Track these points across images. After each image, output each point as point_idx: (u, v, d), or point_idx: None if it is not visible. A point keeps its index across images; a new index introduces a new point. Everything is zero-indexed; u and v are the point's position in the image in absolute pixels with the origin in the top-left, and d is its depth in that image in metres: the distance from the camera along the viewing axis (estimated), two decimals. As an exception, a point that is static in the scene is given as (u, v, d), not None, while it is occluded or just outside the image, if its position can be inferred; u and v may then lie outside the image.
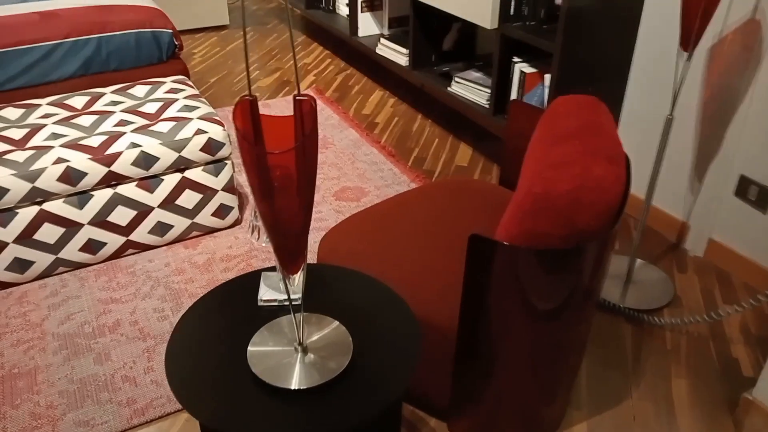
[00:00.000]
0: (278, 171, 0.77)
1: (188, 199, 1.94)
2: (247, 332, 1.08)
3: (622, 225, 2.16)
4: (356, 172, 2.48)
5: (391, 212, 1.60)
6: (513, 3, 2.09)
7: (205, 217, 2.00)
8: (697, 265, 1.97)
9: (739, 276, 1.91)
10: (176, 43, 2.50)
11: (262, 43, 3.92)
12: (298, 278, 0.91)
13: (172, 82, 2.19)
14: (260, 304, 1.16)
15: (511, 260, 1.11)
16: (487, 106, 2.36)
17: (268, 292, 1.17)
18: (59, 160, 1.71)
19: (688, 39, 1.49)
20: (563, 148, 1.28)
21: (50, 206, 1.75)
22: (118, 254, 1.93)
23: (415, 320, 1.13)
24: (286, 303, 1.16)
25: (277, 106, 3.03)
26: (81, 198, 1.78)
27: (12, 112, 1.94)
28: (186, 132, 1.87)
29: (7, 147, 1.74)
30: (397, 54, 2.87)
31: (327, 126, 2.83)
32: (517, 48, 2.21)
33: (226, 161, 1.98)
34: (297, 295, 1.12)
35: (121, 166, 1.79)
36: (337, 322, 1.10)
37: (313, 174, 0.81)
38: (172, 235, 1.98)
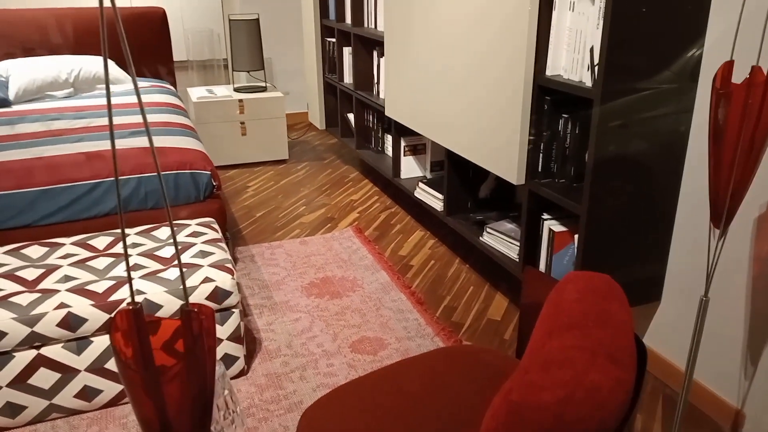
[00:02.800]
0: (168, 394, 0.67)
1: (190, 348, 1.87)
2: None
3: (664, 401, 1.89)
4: (379, 320, 2.36)
5: (382, 385, 1.45)
6: (541, 159, 2.01)
7: (206, 367, 1.92)
8: (758, 468, 1.66)
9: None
10: (214, 183, 2.57)
11: (315, 178, 4.02)
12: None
13: (197, 225, 2.21)
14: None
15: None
16: (517, 260, 2.23)
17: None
18: (61, 305, 1.71)
19: (719, 216, 1.34)
20: (561, 340, 1.12)
21: (48, 351, 1.72)
22: (113, 402, 1.86)
23: None
24: None
25: (314, 244, 3.01)
26: (80, 343, 1.75)
27: (36, 251, 2.00)
28: (193, 280, 1.84)
29: (18, 288, 1.76)
30: (433, 198, 2.83)
31: (359, 267, 2.77)
32: (547, 204, 2.11)
33: (233, 310, 1.93)
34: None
35: (122, 313, 1.76)
36: None
37: (209, 396, 0.71)
38: (170, 384, 1.89)
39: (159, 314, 1.80)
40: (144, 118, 0.61)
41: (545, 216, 2.07)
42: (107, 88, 0.56)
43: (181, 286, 1.82)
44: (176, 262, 1.92)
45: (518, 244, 2.23)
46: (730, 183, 1.28)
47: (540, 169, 2.03)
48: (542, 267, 2.09)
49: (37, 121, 2.96)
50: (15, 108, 3.24)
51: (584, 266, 1.82)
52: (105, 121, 2.98)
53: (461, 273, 2.77)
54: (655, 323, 2.00)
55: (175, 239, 0.65)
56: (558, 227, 2.01)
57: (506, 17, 1.98)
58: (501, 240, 2.33)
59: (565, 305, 1.26)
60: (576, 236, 1.95)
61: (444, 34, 2.43)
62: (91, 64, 3.64)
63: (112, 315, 1.56)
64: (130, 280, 0.64)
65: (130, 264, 1.90)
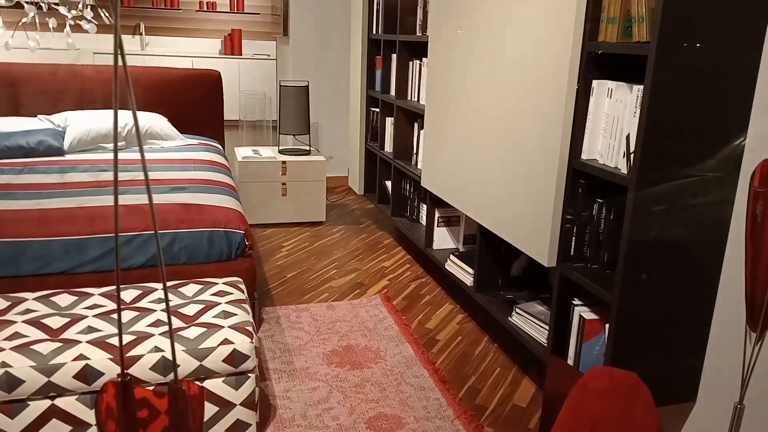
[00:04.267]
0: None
1: (202, 410, 1.84)
2: None
3: None
4: (399, 396, 2.29)
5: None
6: (574, 243, 1.97)
7: (217, 432, 1.88)
8: None
9: None
10: (247, 242, 2.60)
11: (349, 242, 4.03)
12: None
13: (224, 284, 2.22)
14: None
15: None
16: (545, 344, 2.14)
17: None
18: (80, 357, 1.71)
19: (756, 319, 1.26)
20: (578, 442, 1.06)
21: (62, 402, 1.72)
22: (120, 460, 1.82)
23: None
24: None
25: (340, 309, 2.98)
26: (94, 397, 1.75)
27: (65, 299, 2.03)
28: (212, 341, 1.83)
29: (41, 336, 1.78)
30: (464, 273, 2.79)
31: (384, 338, 2.72)
32: (579, 289, 2.04)
33: (249, 374, 1.90)
34: None
35: (138, 370, 1.76)
36: None
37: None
38: (179, 447, 1.86)
39: (175, 373, 1.79)
40: (146, 175, 0.62)
41: (576, 301, 2.01)
42: (115, 145, 0.57)
43: (198, 347, 1.81)
44: (199, 320, 1.93)
45: (548, 328, 2.16)
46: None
47: (572, 253, 1.98)
48: (571, 355, 2.01)
49: (86, 171, 3.09)
50: (68, 157, 3.39)
51: (614, 358, 1.73)
52: (150, 175, 3.09)
53: (489, 352, 2.68)
54: (690, 426, 1.87)
55: (168, 306, 0.64)
56: (589, 314, 1.94)
57: (544, 100, 1.99)
58: (530, 322, 2.26)
59: (587, 402, 1.19)
60: (607, 325, 1.87)
61: (482, 113, 2.45)
62: (144, 119, 3.81)
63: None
64: (121, 353, 0.63)
65: (153, 320, 1.91)
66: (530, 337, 2.23)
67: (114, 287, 2.14)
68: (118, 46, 0.56)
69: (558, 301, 2.03)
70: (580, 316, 1.95)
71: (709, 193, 1.69)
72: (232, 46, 8.11)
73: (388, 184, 4.11)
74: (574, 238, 1.96)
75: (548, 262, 1.99)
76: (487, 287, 2.64)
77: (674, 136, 1.62)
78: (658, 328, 1.75)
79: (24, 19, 3.34)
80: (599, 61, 1.85)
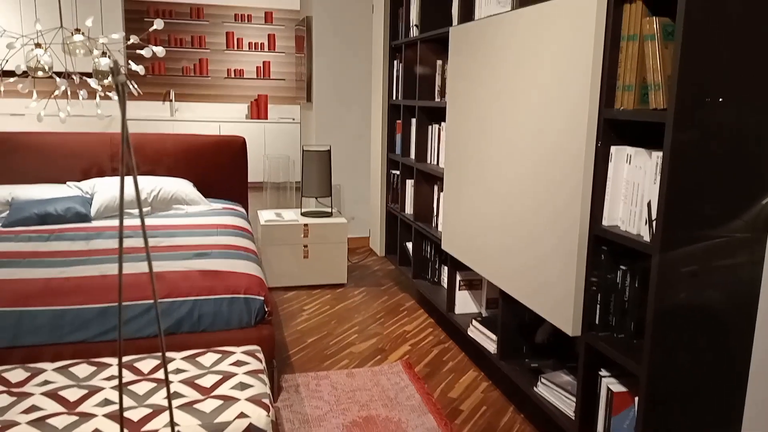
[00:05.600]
0: None
1: (217, 487, 1.79)
2: None
3: None
4: (421, 471, 2.19)
5: None
6: (598, 311, 1.91)
7: None
8: None
9: None
10: (266, 309, 2.59)
11: (371, 305, 3.98)
12: None
13: (242, 353, 2.20)
14: None
15: None
16: (572, 417, 2.06)
17: None
18: (95, 432, 1.69)
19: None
20: None
21: (75, 478, 1.69)
22: None
23: None
24: None
25: (361, 377, 2.92)
26: (107, 473, 1.71)
27: (83, 370, 2.02)
28: (228, 414, 1.80)
29: (58, 409, 1.77)
30: (487, 339, 2.72)
31: (405, 408, 2.64)
32: (606, 358, 1.97)
33: (265, 449, 1.84)
34: None
35: (153, 445, 1.72)
36: None
37: None
38: None
39: (189, 449, 1.75)
40: (146, 242, 0.61)
41: (603, 372, 1.93)
42: (120, 214, 0.57)
43: (214, 421, 1.77)
44: (215, 392, 1.89)
45: (575, 399, 2.07)
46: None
47: (597, 321, 1.92)
48: (600, 430, 1.91)
49: (111, 237, 3.14)
50: (94, 224, 3.46)
51: (646, 435, 1.65)
52: (174, 241, 3.12)
53: (514, 424, 2.58)
54: (733, 508, 1.76)
55: (168, 382, 0.62)
56: (617, 387, 1.86)
57: (563, 166, 1.98)
58: (557, 393, 2.17)
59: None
60: (636, 398, 1.79)
61: (501, 178, 2.45)
62: (170, 185, 3.89)
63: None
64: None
65: (171, 391, 1.89)
66: (557, 409, 2.14)
67: (132, 357, 2.13)
68: (125, 137, 0.57)
69: (584, 372, 1.96)
70: (608, 389, 1.87)
71: (736, 255, 1.64)
72: (258, 110, 8.35)
73: (409, 245, 4.09)
74: (598, 306, 1.91)
75: (573, 331, 1.93)
76: (511, 355, 2.57)
77: (697, 199, 1.58)
78: (690, 399, 1.67)
79: (56, 92, 3.49)
80: (617, 127, 1.84)
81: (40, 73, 4.24)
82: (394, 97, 4.36)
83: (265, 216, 4.33)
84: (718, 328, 1.66)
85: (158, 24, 3.27)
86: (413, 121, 3.88)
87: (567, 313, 1.96)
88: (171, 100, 8.19)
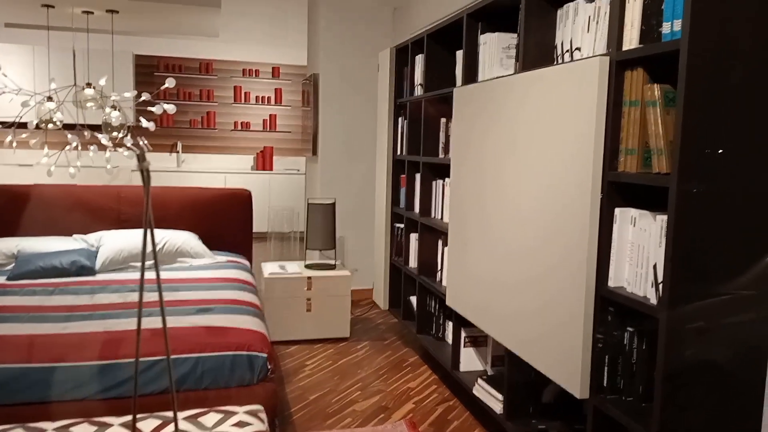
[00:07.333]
0: None
1: None
2: None
3: None
4: None
5: None
6: (606, 373, 1.89)
7: None
8: None
9: None
10: (269, 366, 2.56)
11: (374, 360, 3.93)
12: None
13: (245, 413, 2.16)
14: None
15: None
16: (583, 484, 2.00)
17: None
18: (93, 497, 1.65)
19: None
20: None
21: None
22: None
23: None
24: None
25: (365, 437, 2.86)
26: None
27: (84, 429, 1.99)
28: (229, 479, 1.75)
29: (56, 472, 1.73)
30: (492, 398, 2.68)
31: (410, 470, 2.57)
32: (614, 423, 1.93)
33: None
34: None
35: None
36: None
37: None
38: None
39: None
40: (161, 299, 0.61)
41: (613, 437, 1.89)
42: (141, 272, 0.58)
43: (215, 487, 1.73)
44: (216, 455, 1.86)
45: (583, 464, 2.02)
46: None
47: (605, 384, 1.89)
48: (611, 497, 1.86)
49: (116, 292, 3.14)
50: (99, 277, 3.46)
51: (658, 505, 1.60)
52: (177, 295, 3.12)
53: (522, 487, 2.51)
54: None
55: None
56: (627, 452, 1.82)
57: (567, 227, 1.99)
58: (564, 457, 2.12)
59: None
60: (648, 466, 1.75)
61: (505, 236, 2.46)
62: (176, 238, 3.91)
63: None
64: None
65: (170, 454, 1.85)
66: (566, 474, 2.09)
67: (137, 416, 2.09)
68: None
69: (594, 436, 1.92)
70: (619, 454, 1.83)
71: (743, 313, 1.64)
72: (263, 161, 8.46)
73: (413, 299, 4.07)
74: (606, 367, 1.89)
75: (581, 393, 1.91)
76: (518, 415, 2.52)
77: (702, 260, 1.59)
78: (704, 471, 1.63)
79: (68, 147, 3.56)
80: (621, 189, 1.86)
81: (50, 126, 4.33)
82: (398, 152, 4.43)
83: (269, 268, 4.33)
84: (728, 387, 1.64)
85: (170, 83, 3.36)
86: (417, 176, 3.92)
87: (575, 375, 1.93)
88: (178, 152, 8.31)
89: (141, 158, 0.66)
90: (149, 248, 3.71)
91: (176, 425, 0.81)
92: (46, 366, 2.31)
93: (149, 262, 3.70)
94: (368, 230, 5.29)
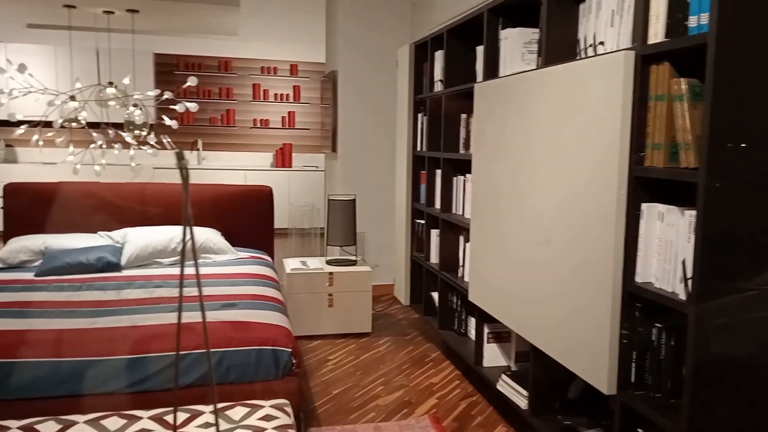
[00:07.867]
0: None
1: None
2: None
3: None
4: None
5: None
6: (634, 369, 1.88)
7: None
8: None
9: None
10: (294, 361, 2.58)
11: (396, 355, 3.95)
12: None
13: (271, 407, 2.19)
14: None
15: None
16: (609, 480, 2.00)
17: None
18: (126, 489, 1.68)
19: None
20: None
21: None
22: None
23: None
24: None
25: (388, 430, 2.87)
26: None
27: (114, 423, 2.03)
28: (258, 472, 1.78)
29: (90, 464, 1.77)
30: (517, 394, 2.68)
31: (433, 465, 2.58)
32: (641, 419, 1.92)
33: None
34: None
35: (183, 503, 1.71)
36: None
37: None
38: None
39: (219, 507, 1.73)
40: (200, 293, 0.63)
41: (640, 432, 1.89)
42: (182, 264, 0.59)
43: (245, 480, 1.75)
44: (245, 449, 1.88)
45: (610, 460, 2.02)
46: None
47: (633, 380, 1.88)
48: (638, 493, 1.86)
49: (141, 287, 3.19)
50: (124, 273, 3.52)
51: (687, 501, 1.60)
52: (202, 291, 3.16)
53: (546, 482, 2.51)
54: None
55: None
56: (655, 448, 1.81)
57: (593, 222, 1.98)
58: (590, 452, 2.12)
59: None
60: (676, 462, 1.74)
61: (530, 231, 2.46)
62: (199, 234, 3.96)
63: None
64: None
65: (200, 447, 1.88)
66: (592, 470, 2.08)
67: (162, 410, 2.13)
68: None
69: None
70: (646, 451, 1.82)
71: (774, 311, 1.62)
72: (283, 158, 8.50)
73: (435, 295, 4.08)
74: (633, 363, 1.88)
75: (608, 389, 1.90)
76: (543, 411, 2.52)
77: (732, 255, 1.57)
78: (733, 467, 1.62)
79: (92, 146, 3.62)
80: (648, 184, 1.85)
81: (74, 124, 4.40)
82: (418, 148, 4.43)
83: (291, 264, 4.36)
84: (758, 383, 1.63)
85: (192, 81, 3.40)
86: (438, 172, 3.92)
87: (602, 371, 1.93)
88: (198, 149, 8.39)
89: (179, 157, 0.68)
90: (189, 245, 3.76)
91: (216, 419, 0.81)
92: (77, 360, 2.36)
93: (188, 261, 3.75)
94: (388, 226, 5.30)
